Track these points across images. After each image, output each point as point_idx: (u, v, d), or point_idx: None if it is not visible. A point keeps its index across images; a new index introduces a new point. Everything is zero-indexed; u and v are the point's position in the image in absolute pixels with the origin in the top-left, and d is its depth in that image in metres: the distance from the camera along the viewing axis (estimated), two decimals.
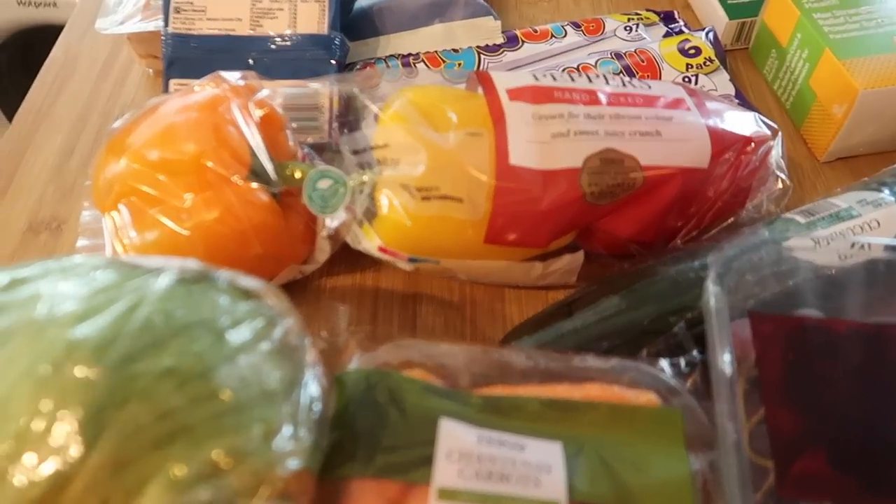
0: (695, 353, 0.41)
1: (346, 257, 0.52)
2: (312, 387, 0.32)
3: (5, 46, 1.30)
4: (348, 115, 0.54)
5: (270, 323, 0.32)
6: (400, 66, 0.61)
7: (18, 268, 0.31)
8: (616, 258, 0.47)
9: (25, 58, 1.32)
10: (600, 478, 0.33)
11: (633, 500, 0.32)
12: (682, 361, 0.39)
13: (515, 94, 0.44)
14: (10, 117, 1.31)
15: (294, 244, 0.48)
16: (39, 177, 0.61)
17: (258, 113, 0.44)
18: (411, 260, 0.44)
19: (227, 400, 0.27)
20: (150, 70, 0.67)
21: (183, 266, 0.33)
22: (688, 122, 0.44)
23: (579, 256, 0.46)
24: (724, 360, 0.35)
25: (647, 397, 0.36)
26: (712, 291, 0.36)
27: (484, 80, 0.45)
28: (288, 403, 0.30)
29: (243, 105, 0.46)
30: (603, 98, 0.44)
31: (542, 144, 0.42)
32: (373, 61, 0.61)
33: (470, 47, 0.62)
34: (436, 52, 0.61)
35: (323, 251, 0.48)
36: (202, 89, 0.46)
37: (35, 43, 1.26)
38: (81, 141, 0.63)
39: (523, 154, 0.42)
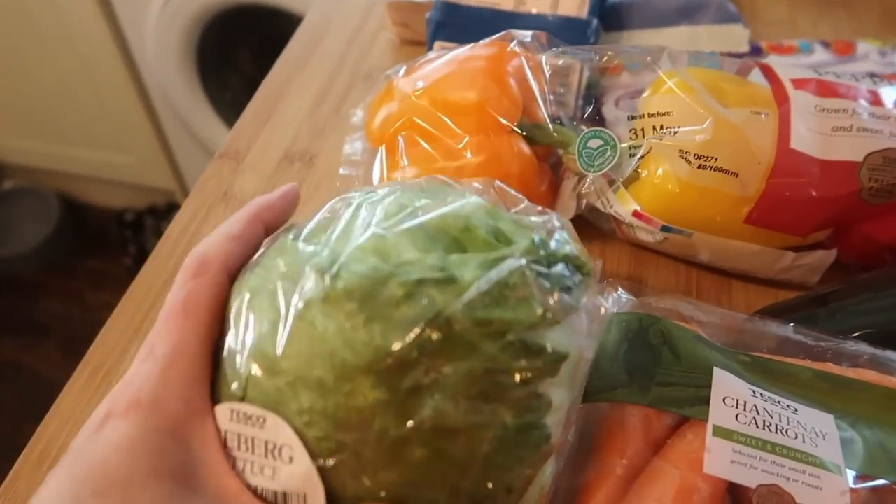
0: None
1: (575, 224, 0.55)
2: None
3: (211, 26, 1.41)
4: (589, 97, 0.57)
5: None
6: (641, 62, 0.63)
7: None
8: (864, 268, 0.47)
9: (229, 37, 1.44)
10: (877, 455, 0.33)
11: None
12: None
13: (799, 83, 0.45)
14: (211, 95, 1.45)
15: (541, 199, 0.50)
16: (295, 116, 0.68)
17: (546, 69, 0.48)
18: (664, 229, 0.46)
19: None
20: (398, 38, 0.73)
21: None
22: None
23: (832, 254, 0.46)
24: None
25: None
26: None
27: (764, 68, 0.46)
28: None
29: (529, 62, 0.50)
30: (888, 101, 0.44)
31: (823, 135, 0.43)
32: None
33: (713, 52, 0.63)
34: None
35: (567, 210, 0.50)
36: (491, 44, 0.50)
37: (240, 23, 1.37)
38: (332, 92, 0.70)
39: (804, 140, 0.42)
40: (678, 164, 0.43)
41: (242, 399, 0.27)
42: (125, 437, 0.25)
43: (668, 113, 0.44)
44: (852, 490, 0.31)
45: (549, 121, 0.49)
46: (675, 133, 0.43)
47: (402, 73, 0.51)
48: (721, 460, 0.31)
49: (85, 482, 0.24)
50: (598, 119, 0.56)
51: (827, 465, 0.32)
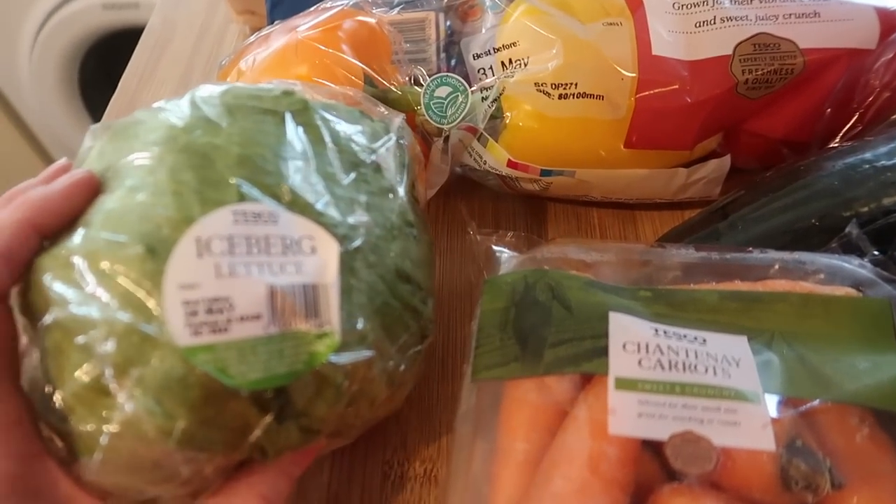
0: (875, 252, 0.36)
1: (462, 189, 0.50)
2: None
3: (92, 52, 1.34)
4: (452, 48, 0.52)
5: None
6: None
7: None
8: (765, 169, 0.43)
9: (112, 62, 1.36)
10: (797, 372, 0.29)
11: (842, 396, 0.28)
12: (868, 262, 0.35)
13: None
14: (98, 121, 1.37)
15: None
16: None
17: (388, 27, 0.43)
18: (544, 173, 0.42)
19: None
20: (247, 27, 0.67)
21: None
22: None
23: (726, 161, 0.42)
24: None
25: (845, 290, 0.32)
26: None
27: None
28: None
29: (354, 29, 0.45)
30: None
31: (686, 35, 0.39)
32: None
33: None
34: None
35: (440, 173, 0.45)
36: (308, 17, 0.45)
37: (122, 46, 1.29)
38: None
39: (667, 44, 0.38)
40: (538, 99, 0.38)
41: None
42: None
43: (514, 44, 0.39)
44: (774, 420, 0.27)
45: (399, 82, 0.44)
46: (526, 65, 0.38)
47: (225, 61, 0.46)
48: (626, 417, 0.27)
49: None
50: (482, 76, 0.52)
51: (744, 395, 0.28)
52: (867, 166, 0.38)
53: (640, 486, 0.27)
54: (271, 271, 0.26)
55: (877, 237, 0.36)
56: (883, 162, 0.37)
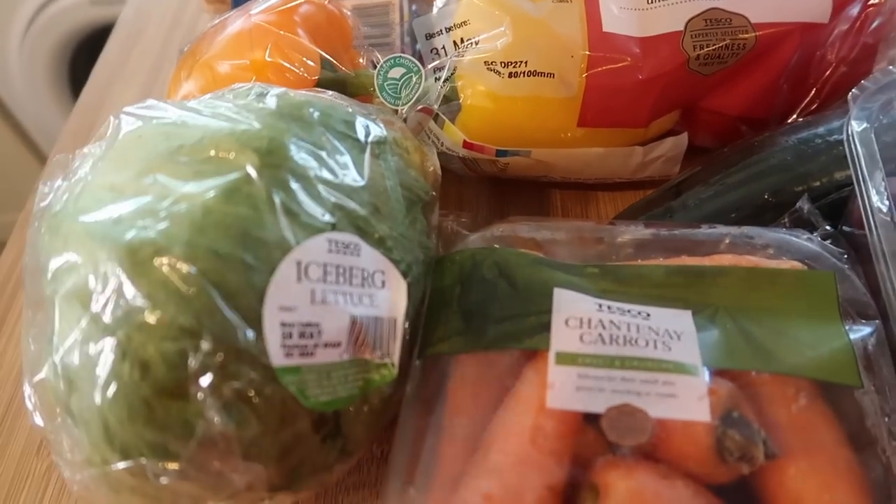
0: (827, 227, 0.36)
1: None
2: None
3: (82, 48, 1.34)
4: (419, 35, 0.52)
5: None
6: None
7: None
8: (723, 147, 0.43)
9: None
10: (738, 345, 0.29)
11: (782, 367, 0.28)
12: (817, 236, 0.35)
13: None
14: None
15: None
16: None
17: (347, 12, 0.43)
18: (500, 153, 0.41)
19: None
20: (218, 16, 0.67)
21: None
22: None
23: (683, 139, 0.42)
24: (881, 206, 0.30)
25: (791, 264, 0.32)
26: (856, 130, 0.31)
27: None
28: None
29: (310, 12, 0.45)
30: None
31: (639, 11, 0.39)
32: None
33: None
34: None
35: None
36: (265, 1, 0.45)
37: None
38: (155, 90, 0.63)
39: (618, 21, 0.38)
40: (489, 78, 0.38)
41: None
42: None
43: (465, 22, 0.39)
44: (712, 391, 0.27)
45: (362, 66, 0.44)
46: (477, 44, 0.38)
47: (186, 48, 0.46)
48: (565, 390, 0.27)
49: None
50: (435, 56, 0.52)
51: (683, 368, 0.28)
52: (820, 141, 0.38)
53: (580, 459, 0.27)
54: (352, 302, 0.27)
55: (828, 211, 0.36)
56: (836, 136, 0.37)
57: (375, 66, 0.46)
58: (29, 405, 0.28)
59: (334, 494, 0.36)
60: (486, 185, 0.49)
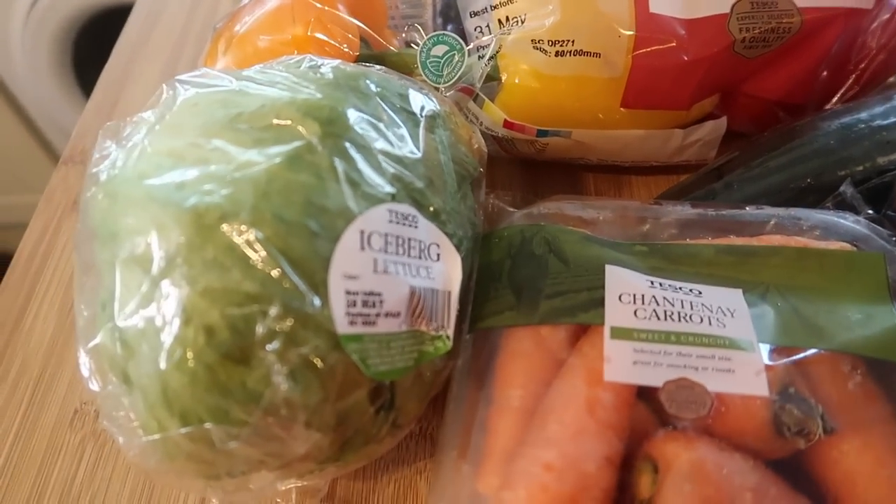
0: (870, 211, 0.36)
1: None
2: None
3: (85, 31, 1.32)
4: (450, 11, 0.52)
5: None
6: None
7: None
8: (761, 132, 0.43)
9: (106, 41, 1.35)
10: (791, 323, 0.29)
11: (835, 345, 0.29)
12: (862, 218, 0.35)
13: None
14: None
15: None
16: (144, 98, 0.60)
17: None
18: (540, 133, 0.41)
19: None
20: None
21: None
22: None
23: (722, 123, 0.42)
24: None
25: (839, 245, 0.32)
26: None
27: None
28: None
29: None
30: None
31: None
32: None
33: None
34: None
35: None
36: None
37: (115, 25, 1.28)
38: (180, 67, 0.63)
39: (664, 1, 0.38)
40: (534, 57, 0.38)
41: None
42: None
43: (511, 1, 0.39)
44: (768, 367, 0.27)
45: (398, 45, 0.44)
46: (523, 22, 0.38)
47: (220, 24, 0.45)
48: (622, 364, 0.28)
49: None
50: (479, 34, 0.51)
51: (738, 344, 0.28)
52: (863, 126, 0.38)
53: (635, 432, 0.27)
54: (411, 273, 0.28)
55: (871, 196, 0.37)
56: (878, 122, 0.37)
57: (410, 46, 0.46)
58: (85, 372, 0.28)
59: (373, 471, 0.37)
60: (519, 167, 0.49)
